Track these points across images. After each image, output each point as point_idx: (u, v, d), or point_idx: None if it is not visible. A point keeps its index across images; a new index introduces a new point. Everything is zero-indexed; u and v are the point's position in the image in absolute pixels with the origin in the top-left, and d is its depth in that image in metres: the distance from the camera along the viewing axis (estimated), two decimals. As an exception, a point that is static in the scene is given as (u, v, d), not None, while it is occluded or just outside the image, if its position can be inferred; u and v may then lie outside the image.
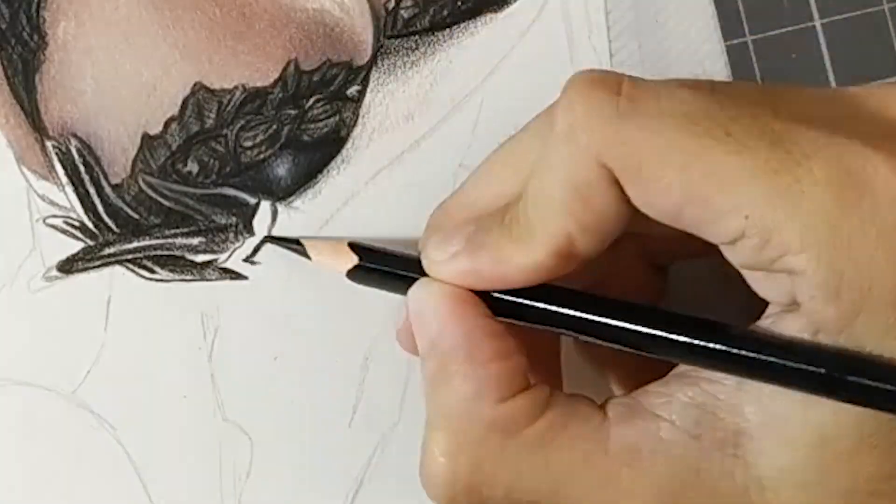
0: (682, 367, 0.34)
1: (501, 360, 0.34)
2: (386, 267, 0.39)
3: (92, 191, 0.42)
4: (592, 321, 0.34)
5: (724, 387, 0.33)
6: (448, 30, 0.43)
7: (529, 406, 0.34)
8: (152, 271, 0.43)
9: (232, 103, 0.43)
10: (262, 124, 0.43)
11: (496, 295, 0.35)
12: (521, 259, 0.34)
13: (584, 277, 0.35)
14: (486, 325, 0.35)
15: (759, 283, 0.33)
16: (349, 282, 0.40)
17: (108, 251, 0.43)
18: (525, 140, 0.36)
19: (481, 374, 0.34)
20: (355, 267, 0.39)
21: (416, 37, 0.43)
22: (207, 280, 0.43)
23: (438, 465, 0.34)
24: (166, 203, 0.43)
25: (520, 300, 0.35)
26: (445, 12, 0.43)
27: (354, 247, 0.40)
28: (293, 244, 0.42)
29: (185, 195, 0.43)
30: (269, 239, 0.43)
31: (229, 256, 0.43)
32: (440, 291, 0.35)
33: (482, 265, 0.35)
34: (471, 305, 0.35)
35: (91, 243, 0.43)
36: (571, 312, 0.35)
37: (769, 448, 0.32)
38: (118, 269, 0.43)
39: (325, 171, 0.43)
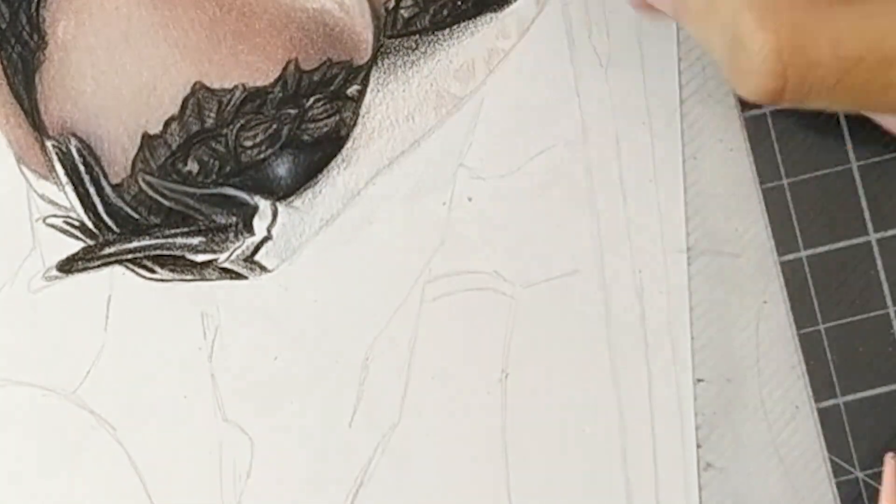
0: None
1: None
2: None
3: (92, 190, 0.42)
4: None
5: None
6: (448, 30, 0.43)
7: None
8: (152, 271, 0.43)
9: (232, 103, 0.43)
10: (263, 124, 0.43)
11: None
12: None
13: None
14: None
15: None
16: (349, 282, 0.40)
17: (108, 251, 0.43)
18: None
19: None
20: None
21: (416, 36, 0.43)
22: (207, 280, 0.43)
23: (760, 40, 0.33)
24: (166, 203, 0.43)
25: None
26: (445, 12, 0.43)
27: None
28: None
29: (185, 195, 0.43)
30: None
31: (229, 256, 0.43)
32: None
33: None
34: None
35: (91, 243, 0.43)
36: None
37: None
38: (118, 269, 0.43)
39: (325, 171, 0.43)
